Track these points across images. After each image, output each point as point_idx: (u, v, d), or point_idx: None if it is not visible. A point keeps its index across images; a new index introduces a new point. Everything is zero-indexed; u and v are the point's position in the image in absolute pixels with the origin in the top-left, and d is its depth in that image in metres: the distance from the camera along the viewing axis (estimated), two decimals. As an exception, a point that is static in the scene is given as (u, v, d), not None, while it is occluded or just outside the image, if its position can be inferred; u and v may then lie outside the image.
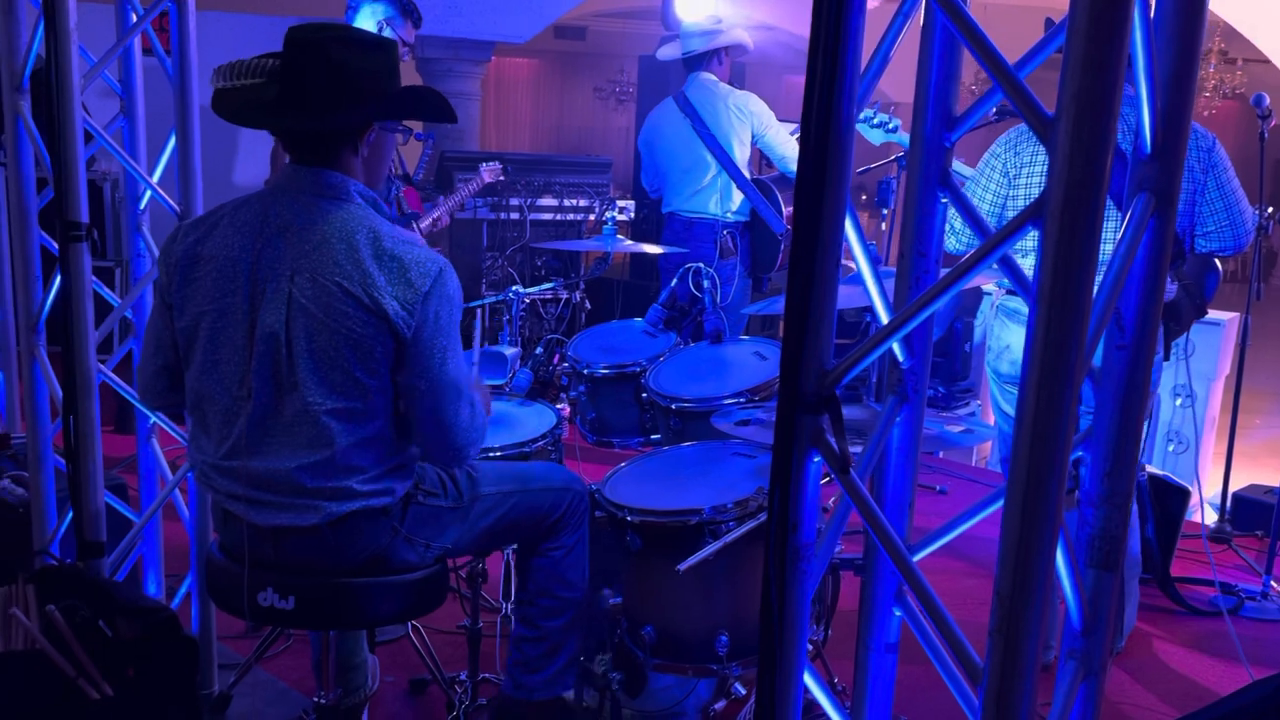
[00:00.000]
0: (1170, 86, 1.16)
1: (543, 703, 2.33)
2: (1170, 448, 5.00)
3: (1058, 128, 1.00)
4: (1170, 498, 3.66)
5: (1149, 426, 3.23)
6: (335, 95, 1.90)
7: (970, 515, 1.38)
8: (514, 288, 3.15)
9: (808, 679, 1.33)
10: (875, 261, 1.70)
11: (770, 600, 1.25)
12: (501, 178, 5.20)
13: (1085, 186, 0.99)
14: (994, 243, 1.12)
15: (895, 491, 1.41)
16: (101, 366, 2.49)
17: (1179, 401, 4.88)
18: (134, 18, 2.56)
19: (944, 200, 1.35)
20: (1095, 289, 1.21)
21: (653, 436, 2.81)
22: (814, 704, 1.42)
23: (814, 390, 1.21)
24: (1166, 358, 3.13)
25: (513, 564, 2.90)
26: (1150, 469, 3.70)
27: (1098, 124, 0.98)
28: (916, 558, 1.39)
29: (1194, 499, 3.88)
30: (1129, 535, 3.12)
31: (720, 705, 2.50)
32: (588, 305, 5.62)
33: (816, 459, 1.24)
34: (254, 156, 6.32)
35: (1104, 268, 1.21)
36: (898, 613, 1.44)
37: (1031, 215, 1.05)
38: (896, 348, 1.37)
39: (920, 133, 1.32)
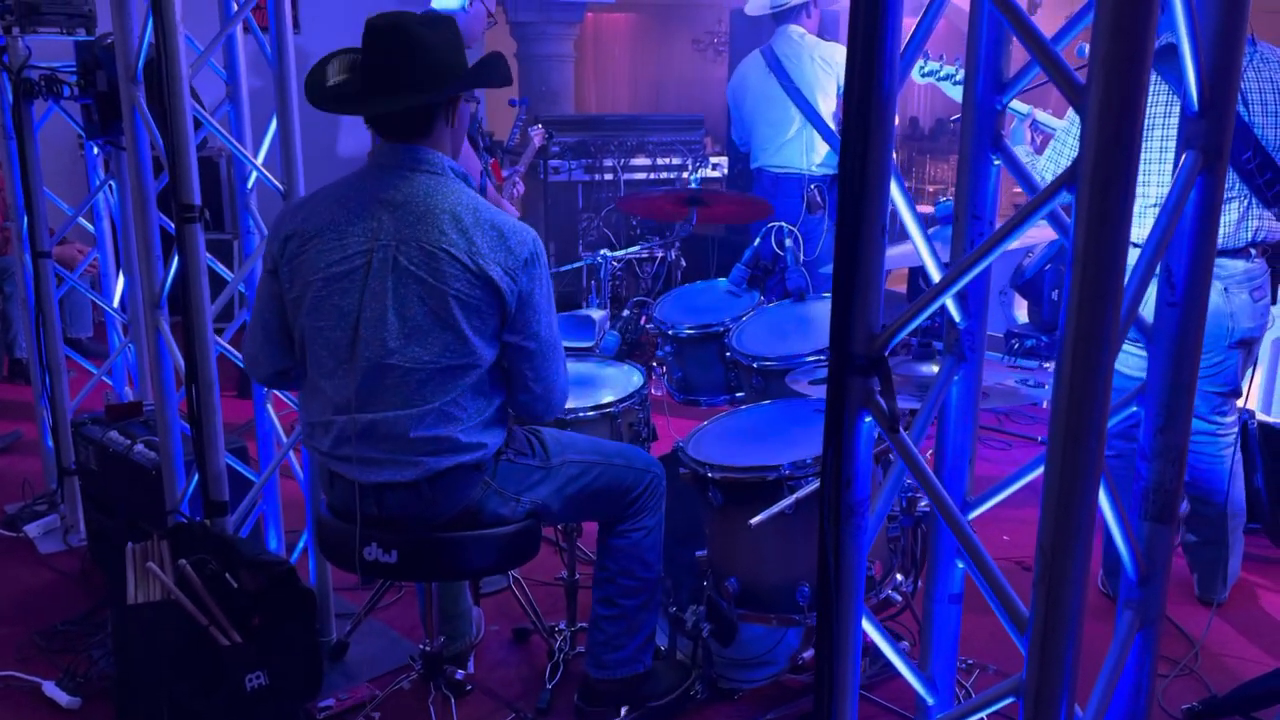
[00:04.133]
0: (1216, 43, 1.16)
1: (626, 679, 2.46)
2: (1292, 392, 4.82)
3: (1089, 94, 1.02)
4: (1282, 445, 3.56)
5: (1254, 373, 3.13)
6: (426, 73, 2.02)
7: (1029, 469, 1.41)
8: (602, 251, 3.23)
9: (867, 626, 1.39)
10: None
11: (826, 555, 1.31)
12: (551, 143, 5.49)
13: (1116, 151, 1.01)
14: (1035, 204, 1.15)
15: (954, 449, 1.45)
16: (219, 339, 2.67)
17: (1301, 345, 4.69)
18: (235, 7, 2.70)
19: (996, 163, 1.37)
20: (1143, 246, 1.22)
21: (737, 394, 2.87)
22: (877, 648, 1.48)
23: (863, 352, 1.26)
24: (1275, 301, 3.03)
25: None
26: (1261, 416, 3.59)
27: (1127, 89, 0.99)
28: (973, 514, 1.44)
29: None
30: (1233, 486, 3.07)
31: (808, 654, 2.58)
32: (683, 263, 5.66)
33: (868, 419, 1.29)
34: (356, 128, 6.52)
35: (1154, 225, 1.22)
36: (960, 565, 1.49)
37: (1067, 180, 1.07)
38: (953, 308, 1.40)
39: (972, 97, 1.34)
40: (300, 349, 2.14)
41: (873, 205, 1.24)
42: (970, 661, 2.72)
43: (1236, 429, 3.09)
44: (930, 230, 2.79)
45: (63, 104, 3.45)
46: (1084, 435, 1.08)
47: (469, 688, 2.65)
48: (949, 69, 3.02)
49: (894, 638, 2.78)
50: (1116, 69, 0.99)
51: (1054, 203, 1.12)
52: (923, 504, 2.39)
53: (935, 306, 1.27)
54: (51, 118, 3.65)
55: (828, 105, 4.43)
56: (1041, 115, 3.12)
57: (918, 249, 1.34)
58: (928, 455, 1.68)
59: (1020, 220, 1.16)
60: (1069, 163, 2.99)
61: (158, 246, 2.76)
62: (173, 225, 2.58)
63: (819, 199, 4.55)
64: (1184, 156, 1.21)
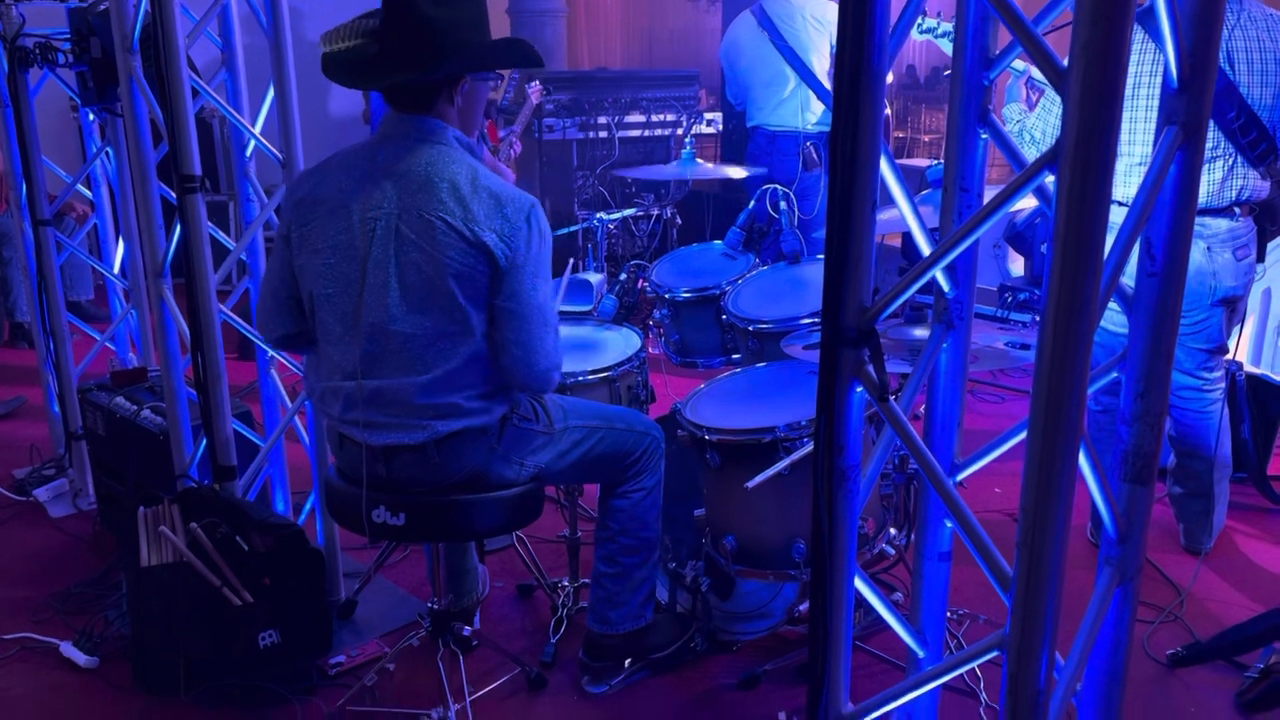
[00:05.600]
0: (1195, 20, 1.19)
1: (629, 634, 2.55)
2: (1281, 342, 4.88)
3: (1070, 77, 1.06)
4: (1268, 396, 3.63)
5: (1243, 328, 3.19)
6: (428, 50, 2.04)
7: (1015, 432, 1.47)
8: (598, 215, 3.24)
9: (858, 584, 1.45)
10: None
11: (820, 518, 1.37)
12: (547, 100, 5.41)
13: (1095, 133, 1.05)
14: (1019, 182, 1.19)
15: (943, 414, 1.51)
16: (222, 307, 2.71)
17: (1291, 295, 4.74)
18: (229, -24, 2.71)
19: (984, 137, 1.41)
20: (1124, 220, 1.27)
21: (734, 356, 2.91)
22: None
23: (854, 326, 1.31)
24: (1261, 259, 3.08)
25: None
26: (1249, 368, 3.66)
27: (1106, 73, 1.03)
28: (960, 476, 1.50)
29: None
30: (1220, 439, 3.13)
31: (804, 606, 2.66)
32: (679, 221, 5.69)
33: (859, 389, 1.34)
34: (347, 90, 6.50)
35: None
36: (949, 524, 1.55)
37: (1049, 160, 1.11)
38: (942, 279, 1.45)
39: (960, 72, 1.38)
40: (310, 315, 2.19)
41: (863, 184, 1.28)
42: (961, 611, 2.81)
43: (1223, 384, 3.15)
44: (922, 194, 2.83)
45: (57, 71, 3.45)
46: (1065, 404, 1.13)
47: (476, 643, 2.73)
48: (946, 25, 3.04)
49: (887, 589, 2.88)
50: (1096, 55, 1.03)
51: (1037, 180, 1.16)
52: (914, 462, 2.46)
53: (924, 280, 1.32)
54: (43, 83, 3.65)
55: (822, 64, 4.43)
56: (1038, 73, 3.14)
57: (908, 225, 1.39)
58: (920, 411, 1.73)
59: (1005, 197, 1.20)
60: (1057, 120, 3.03)
61: (159, 216, 2.79)
62: (173, 195, 2.61)
63: (815, 156, 4.57)
64: (1164, 132, 1.25)
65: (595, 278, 2.85)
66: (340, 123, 6.95)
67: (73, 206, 4.97)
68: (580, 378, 2.62)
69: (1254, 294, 3.99)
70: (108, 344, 3.92)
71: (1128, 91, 2.83)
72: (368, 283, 2.06)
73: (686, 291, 2.94)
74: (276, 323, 2.27)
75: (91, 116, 3.82)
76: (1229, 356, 3.14)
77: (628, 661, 2.58)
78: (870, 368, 1.32)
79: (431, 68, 2.04)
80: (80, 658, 2.71)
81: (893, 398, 1.34)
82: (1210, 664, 2.65)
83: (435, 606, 2.52)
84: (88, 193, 3.97)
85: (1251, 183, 2.83)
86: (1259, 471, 3.61)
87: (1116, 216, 2.66)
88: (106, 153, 3.75)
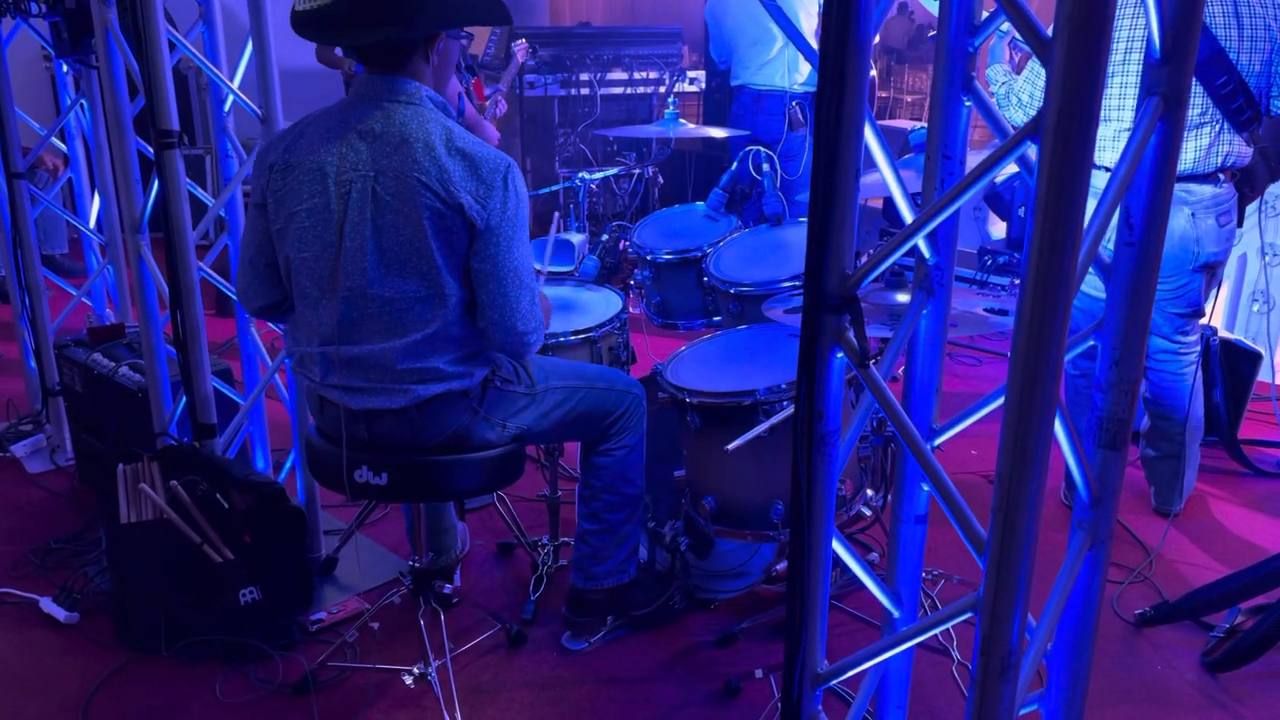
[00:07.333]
0: (1180, -8, 1.19)
1: (613, 588, 2.58)
2: (1255, 307, 4.94)
3: (1054, 48, 1.06)
4: (1242, 361, 3.68)
5: (1219, 292, 3.22)
6: (404, 7, 2.01)
7: (992, 398, 1.49)
8: (579, 174, 3.23)
9: (836, 546, 1.48)
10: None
11: (799, 482, 1.38)
12: (530, 59, 5.35)
13: (1078, 104, 1.05)
14: (1002, 152, 1.19)
15: (921, 379, 1.52)
16: (201, 264, 2.69)
17: (1266, 259, 4.79)
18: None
19: (967, 104, 1.41)
20: (1104, 189, 1.27)
21: (715, 318, 2.92)
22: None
23: (836, 292, 1.32)
24: (1240, 224, 3.10)
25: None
26: (1223, 333, 3.70)
27: (1090, 45, 1.03)
28: (937, 441, 1.51)
29: (1275, 360, 3.87)
30: (1192, 401, 3.17)
31: (782, 566, 2.69)
32: (660, 180, 5.66)
33: (839, 355, 1.35)
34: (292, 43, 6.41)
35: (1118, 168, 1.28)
36: (926, 487, 1.57)
37: (1030, 131, 1.12)
38: (923, 246, 1.46)
39: (944, 39, 1.38)
40: (286, 279, 2.17)
41: (847, 150, 1.28)
42: (936, 571, 2.85)
43: (1198, 348, 3.19)
44: (905, 157, 2.83)
45: (30, 21, 3.38)
46: (1042, 375, 1.14)
47: (456, 600, 2.75)
48: None
49: (864, 550, 2.92)
50: (1080, 27, 1.03)
51: (1019, 150, 1.17)
52: (893, 426, 2.48)
53: (907, 247, 1.33)
54: (16, 32, 3.58)
55: (810, 23, 4.40)
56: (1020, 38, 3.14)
57: (892, 194, 1.39)
58: (899, 373, 1.75)
59: (987, 167, 1.21)
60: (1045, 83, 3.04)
61: (136, 171, 2.75)
62: (150, 149, 2.57)
63: (800, 116, 4.55)
64: (1145, 102, 1.25)
65: (577, 238, 2.84)
66: (320, 76, 6.84)
67: (43, 160, 4.90)
68: (562, 338, 2.63)
69: (1230, 259, 4.03)
70: (84, 299, 3.89)
71: (1119, 57, 2.83)
72: (345, 246, 2.05)
73: (668, 253, 2.94)
74: (256, 292, 2.25)
75: (65, 68, 3.75)
76: (1204, 321, 3.18)
77: (609, 618, 2.61)
78: (851, 334, 1.33)
79: (406, 25, 2.01)
80: (60, 613, 2.71)
81: (872, 363, 1.35)
82: (1177, 624, 2.71)
83: (416, 564, 2.54)
84: (62, 146, 3.91)
85: (1236, 149, 2.85)
86: (1230, 435, 3.67)
87: (1100, 182, 2.68)
88: (81, 105, 3.70)
